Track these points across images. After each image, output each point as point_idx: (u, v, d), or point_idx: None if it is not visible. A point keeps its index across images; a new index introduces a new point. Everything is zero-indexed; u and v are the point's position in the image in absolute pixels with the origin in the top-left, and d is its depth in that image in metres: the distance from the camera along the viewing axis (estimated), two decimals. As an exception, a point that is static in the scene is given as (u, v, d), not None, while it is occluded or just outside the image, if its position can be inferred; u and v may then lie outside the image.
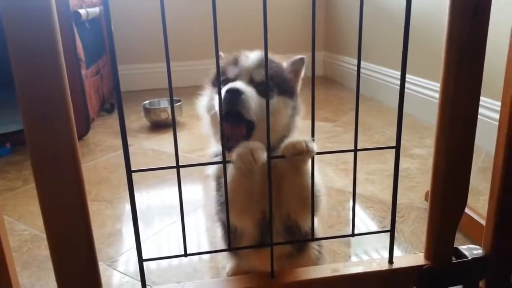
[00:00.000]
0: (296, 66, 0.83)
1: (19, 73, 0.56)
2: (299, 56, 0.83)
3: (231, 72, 0.77)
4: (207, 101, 0.82)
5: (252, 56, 0.78)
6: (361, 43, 0.65)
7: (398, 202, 1.38)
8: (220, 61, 0.81)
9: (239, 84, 0.73)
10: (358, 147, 0.71)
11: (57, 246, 0.65)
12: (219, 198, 0.80)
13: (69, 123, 0.60)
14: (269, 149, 0.68)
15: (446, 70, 0.67)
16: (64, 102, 0.59)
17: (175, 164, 0.65)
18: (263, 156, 0.68)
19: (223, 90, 0.70)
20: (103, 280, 0.70)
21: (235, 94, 0.70)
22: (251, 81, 0.75)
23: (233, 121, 0.72)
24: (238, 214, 0.78)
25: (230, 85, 0.72)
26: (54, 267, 0.66)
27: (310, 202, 0.75)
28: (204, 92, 0.84)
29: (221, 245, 0.95)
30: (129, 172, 0.63)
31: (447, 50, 0.67)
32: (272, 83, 0.75)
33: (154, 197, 1.50)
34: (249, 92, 0.73)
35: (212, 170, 0.83)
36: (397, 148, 0.71)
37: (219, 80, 0.65)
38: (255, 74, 0.75)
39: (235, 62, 0.77)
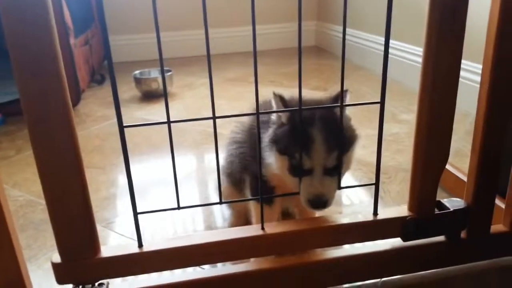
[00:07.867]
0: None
1: (10, 30, 0.57)
2: (340, 91, 0.75)
3: (306, 163, 0.76)
4: (281, 169, 0.81)
5: (322, 145, 0.76)
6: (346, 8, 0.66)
7: (386, 164, 1.42)
8: (276, 103, 0.80)
9: (323, 192, 0.77)
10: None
11: (54, 203, 0.66)
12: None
13: (61, 80, 0.61)
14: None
15: (429, 29, 0.69)
16: (55, 59, 0.59)
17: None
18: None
19: (306, 195, 0.78)
20: (100, 240, 0.72)
21: (322, 204, 0.78)
22: (324, 170, 0.77)
23: None
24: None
25: (315, 195, 0.77)
26: (52, 227, 0.67)
27: None
28: (271, 157, 0.82)
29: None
30: (121, 127, 0.65)
31: (430, 10, 0.68)
32: (341, 150, 0.79)
33: (147, 165, 1.52)
34: (331, 193, 0.78)
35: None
36: (382, 103, 0.73)
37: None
38: (328, 163, 0.77)
39: (309, 152, 0.76)
